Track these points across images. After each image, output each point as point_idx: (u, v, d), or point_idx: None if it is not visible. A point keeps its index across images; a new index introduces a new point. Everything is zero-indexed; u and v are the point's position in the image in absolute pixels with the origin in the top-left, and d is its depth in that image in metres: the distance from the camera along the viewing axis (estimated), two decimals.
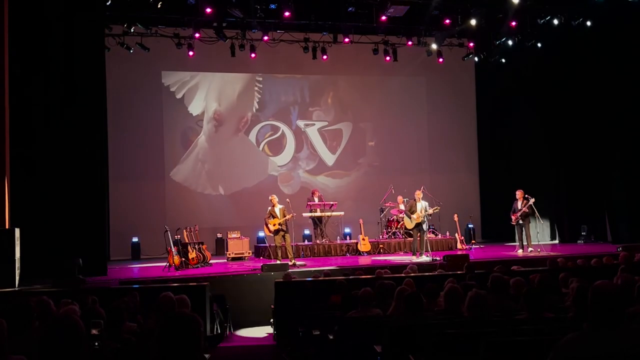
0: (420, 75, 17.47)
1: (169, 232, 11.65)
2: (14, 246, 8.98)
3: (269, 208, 11.87)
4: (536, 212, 12.20)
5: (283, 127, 16.84)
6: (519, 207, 12.41)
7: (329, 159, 17.18)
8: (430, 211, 12.03)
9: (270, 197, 12.00)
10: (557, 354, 2.80)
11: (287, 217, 11.69)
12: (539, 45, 15.15)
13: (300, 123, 17.00)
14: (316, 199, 14.08)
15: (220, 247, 14.93)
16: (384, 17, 13.49)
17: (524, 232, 12.56)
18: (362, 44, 15.82)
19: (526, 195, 12.40)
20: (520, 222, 12.46)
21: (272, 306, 8.57)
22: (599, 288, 2.85)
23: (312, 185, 16.36)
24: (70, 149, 10.74)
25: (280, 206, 11.82)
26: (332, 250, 13.59)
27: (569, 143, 15.67)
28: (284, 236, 11.67)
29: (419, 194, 12.09)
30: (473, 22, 13.90)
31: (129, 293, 6.59)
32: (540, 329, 4.08)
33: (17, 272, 9.09)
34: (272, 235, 11.80)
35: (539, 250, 12.27)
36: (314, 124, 17.14)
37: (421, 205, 11.92)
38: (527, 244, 12.45)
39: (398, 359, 4.28)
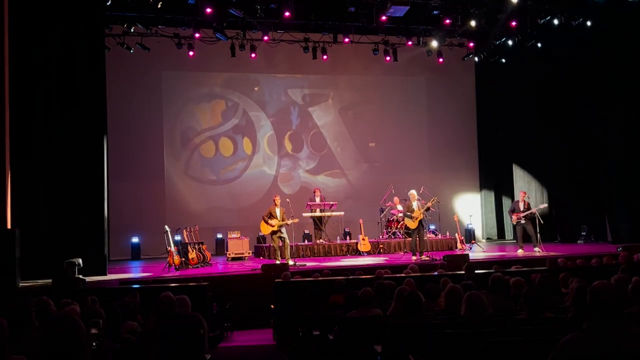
0: (420, 75, 17.47)
1: (169, 232, 11.65)
2: (14, 246, 8.97)
3: (270, 207, 11.85)
4: (538, 217, 12.14)
5: (274, 126, 16.82)
6: (521, 208, 12.37)
7: (333, 150, 17.15)
8: (429, 204, 11.96)
9: (274, 197, 12.00)
10: (557, 354, 2.81)
11: (288, 222, 11.61)
12: (539, 45, 15.16)
13: (297, 92, 16.90)
14: (317, 199, 14.07)
15: (220, 247, 14.93)
16: (384, 17, 13.49)
17: (526, 233, 12.53)
18: (362, 44, 15.81)
19: (527, 196, 12.35)
20: (522, 222, 12.43)
21: (272, 306, 8.57)
22: (597, 288, 2.85)
23: (312, 185, 16.34)
24: (71, 149, 10.75)
25: (282, 208, 11.78)
26: (332, 250, 13.58)
27: (568, 143, 15.67)
28: (282, 238, 11.59)
29: (412, 194, 11.99)
30: (473, 22, 13.91)
31: (129, 293, 6.59)
32: (540, 329, 4.08)
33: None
34: (270, 235, 11.75)
35: (540, 249, 12.25)
36: (317, 107, 17.11)
37: (417, 204, 11.91)
38: (535, 244, 12.30)
39: (398, 359, 4.28)
